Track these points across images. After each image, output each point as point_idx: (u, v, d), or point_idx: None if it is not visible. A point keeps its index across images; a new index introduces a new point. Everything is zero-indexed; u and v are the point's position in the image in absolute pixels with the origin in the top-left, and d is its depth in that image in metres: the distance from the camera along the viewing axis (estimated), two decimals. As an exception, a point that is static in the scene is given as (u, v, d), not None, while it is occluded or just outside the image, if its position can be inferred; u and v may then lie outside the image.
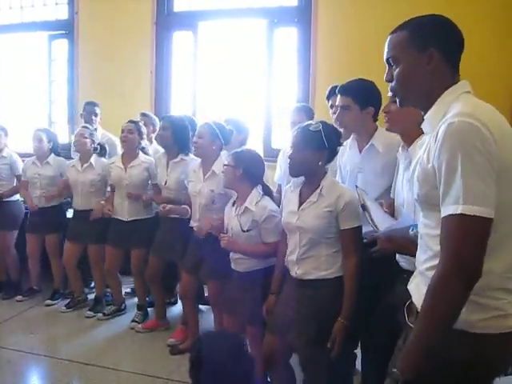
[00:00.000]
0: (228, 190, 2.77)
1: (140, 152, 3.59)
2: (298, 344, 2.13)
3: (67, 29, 5.16)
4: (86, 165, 3.73)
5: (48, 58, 5.35)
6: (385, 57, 1.36)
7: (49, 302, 3.95)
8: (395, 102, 1.44)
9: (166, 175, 3.33)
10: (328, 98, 3.10)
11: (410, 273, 1.72)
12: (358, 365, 2.45)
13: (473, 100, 1.26)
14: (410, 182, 1.73)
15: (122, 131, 3.52)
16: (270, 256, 2.49)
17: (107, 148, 3.87)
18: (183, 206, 3.15)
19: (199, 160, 3.08)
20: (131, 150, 3.56)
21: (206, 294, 3.58)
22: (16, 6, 5.42)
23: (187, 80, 4.93)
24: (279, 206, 2.54)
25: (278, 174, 3.24)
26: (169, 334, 3.40)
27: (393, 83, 1.35)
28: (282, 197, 2.96)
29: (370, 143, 2.32)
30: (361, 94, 2.30)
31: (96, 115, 4.38)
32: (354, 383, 2.39)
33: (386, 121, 2.05)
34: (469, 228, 1.12)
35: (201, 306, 3.79)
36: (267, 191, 2.60)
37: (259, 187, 2.57)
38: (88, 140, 3.73)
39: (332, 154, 2.18)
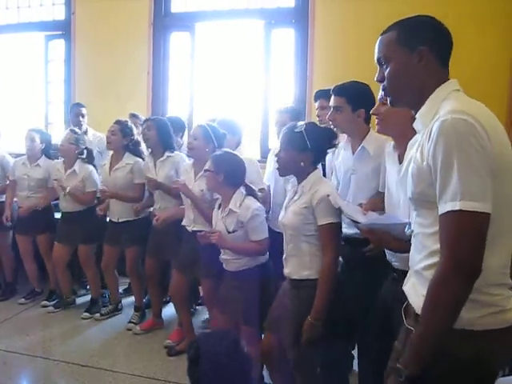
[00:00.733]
0: None
1: (127, 153, 3.58)
2: (286, 343, 2.14)
3: (64, 29, 5.15)
4: (69, 170, 3.69)
5: (45, 58, 5.34)
6: (375, 57, 1.36)
7: (45, 302, 3.93)
8: (384, 103, 1.43)
9: (155, 174, 3.34)
10: (315, 100, 3.20)
11: (400, 272, 1.73)
12: (355, 365, 2.45)
13: (464, 97, 1.26)
14: (401, 181, 1.73)
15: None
16: (259, 253, 2.53)
17: (94, 155, 3.83)
18: (177, 207, 3.17)
19: (192, 160, 3.11)
20: (116, 151, 3.58)
21: (201, 295, 3.57)
22: (13, 7, 5.41)
23: (184, 81, 4.93)
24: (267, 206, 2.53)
25: (266, 173, 3.25)
26: (166, 335, 3.40)
27: (384, 82, 1.35)
28: (272, 197, 2.98)
29: (361, 146, 2.33)
30: (354, 96, 2.31)
31: (83, 116, 4.36)
32: (350, 384, 2.39)
33: (377, 123, 2.02)
34: (468, 224, 1.12)
35: (197, 307, 3.79)
36: (249, 191, 2.62)
37: (242, 187, 2.59)
38: (73, 146, 3.69)
39: (319, 155, 2.17)
